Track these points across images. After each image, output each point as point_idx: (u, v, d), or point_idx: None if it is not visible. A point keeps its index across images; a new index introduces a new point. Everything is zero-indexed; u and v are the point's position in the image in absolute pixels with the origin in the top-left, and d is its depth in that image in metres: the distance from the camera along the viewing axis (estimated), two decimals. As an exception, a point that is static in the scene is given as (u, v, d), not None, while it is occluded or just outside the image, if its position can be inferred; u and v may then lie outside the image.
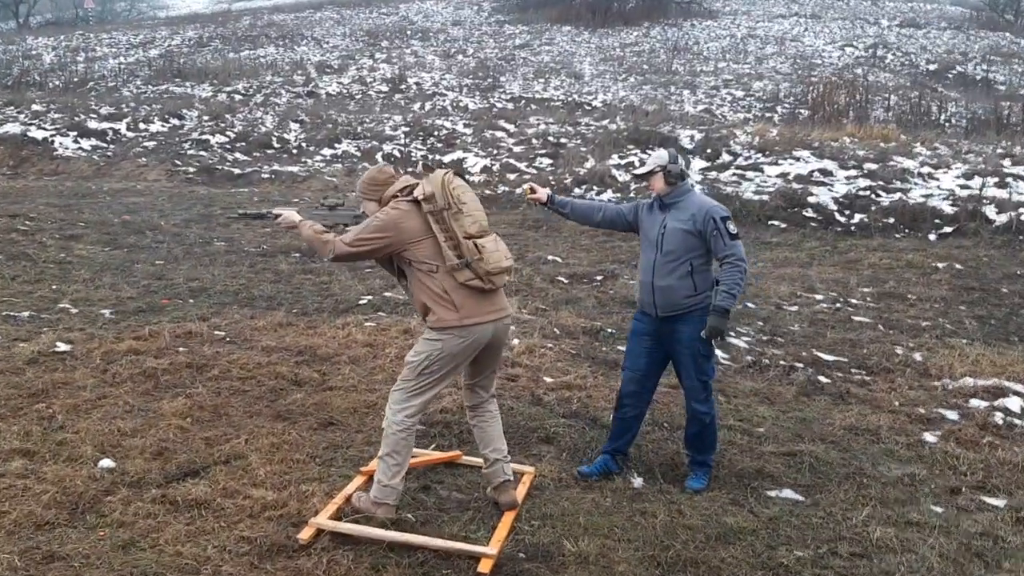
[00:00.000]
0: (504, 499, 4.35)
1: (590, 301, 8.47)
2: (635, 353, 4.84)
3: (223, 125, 19.54)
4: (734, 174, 14.98)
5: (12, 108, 20.40)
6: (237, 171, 16.41)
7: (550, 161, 16.85)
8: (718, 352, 6.46)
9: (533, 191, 5.01)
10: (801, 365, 6.69)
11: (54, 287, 8.15)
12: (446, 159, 17.04)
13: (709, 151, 16.15)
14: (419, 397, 4.18)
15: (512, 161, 16.91)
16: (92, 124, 18.90)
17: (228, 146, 18.24)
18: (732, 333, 7.31)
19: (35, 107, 20.53)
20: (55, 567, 3.63)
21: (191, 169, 16.55)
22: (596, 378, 6.21)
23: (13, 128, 18.18)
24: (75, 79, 28.38)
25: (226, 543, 3.87)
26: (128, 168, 16.73)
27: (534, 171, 16.18)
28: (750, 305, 8.38)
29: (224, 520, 4.06)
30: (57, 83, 28.08)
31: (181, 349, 6.41)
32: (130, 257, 9.61)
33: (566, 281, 9.43)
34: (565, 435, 5.27)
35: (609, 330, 7.38)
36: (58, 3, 54.31)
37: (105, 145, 18.16)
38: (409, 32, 40.34)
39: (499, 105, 25.04)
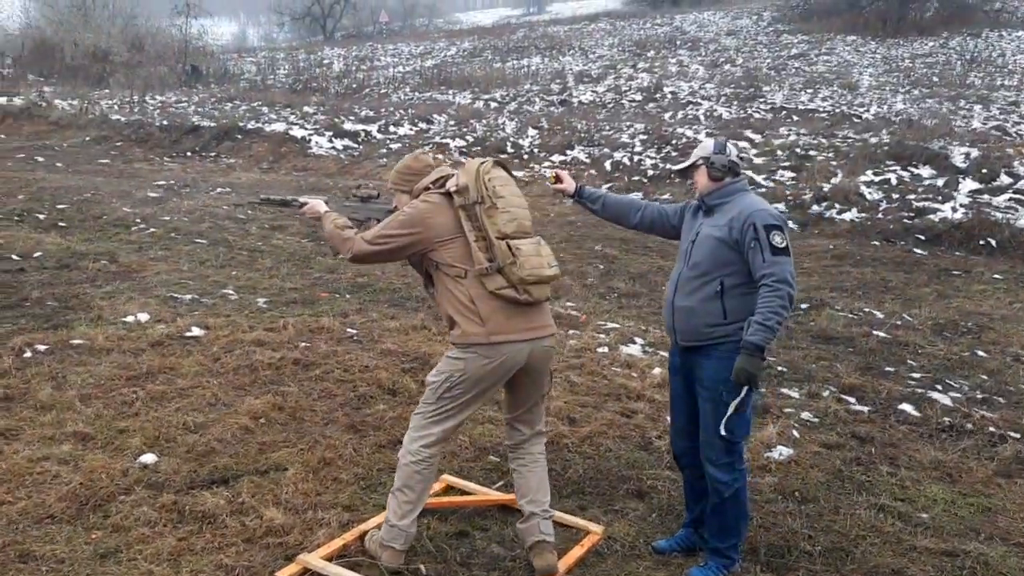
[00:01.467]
0: (539, 564, 3.54)
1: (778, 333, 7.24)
2: (674, 396, 3.84)
3: (465, 130, 19.84)
4: (1011, 199, 12.66)
5: (288, 109, 22.14)
6: (465, 173, 16.50)
7: (792, 175, 15.30)
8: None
9: (558, 179, 4.05)
10: (1017, 436, 5.14)
11: (233, 273, 8.33)
12: (675, 168, 16.03)
13: (984, 171, 13.83)
14: (439, 425, 3.49)
15: (750, 173, 15.54)
16: (347, 126, 19.94)
17: (464, 149, 18.44)
18: (939, 386, 5.84)
19: (306, 109, 22.13)
20: (22, 568, 3.35)
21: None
22: (732, 425, 5.13)
23: (279, 127, 19.62)
24: (353, 86, 30.41)
25: (202, 568, 3.41)
26: (368, 167, 17.38)
27: (772, 184, 14.76)
28: (980, 353, 6.74)
29: (217, 541, 3.61)
30: (338, 89, 30.25)
31: (301, 344, 6.17)
32: (318, 249, 9.71)
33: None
34: (664, 491, 4.32)
35: (780, 368, 6.20)
36: (360, 18, 59.20)
37: (356, 146, 19.05)
38: (679, 42, 39.36)
39: (756, 115, 23.46)
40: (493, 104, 26.55)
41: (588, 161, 17.22)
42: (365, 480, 4.26)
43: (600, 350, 6.41)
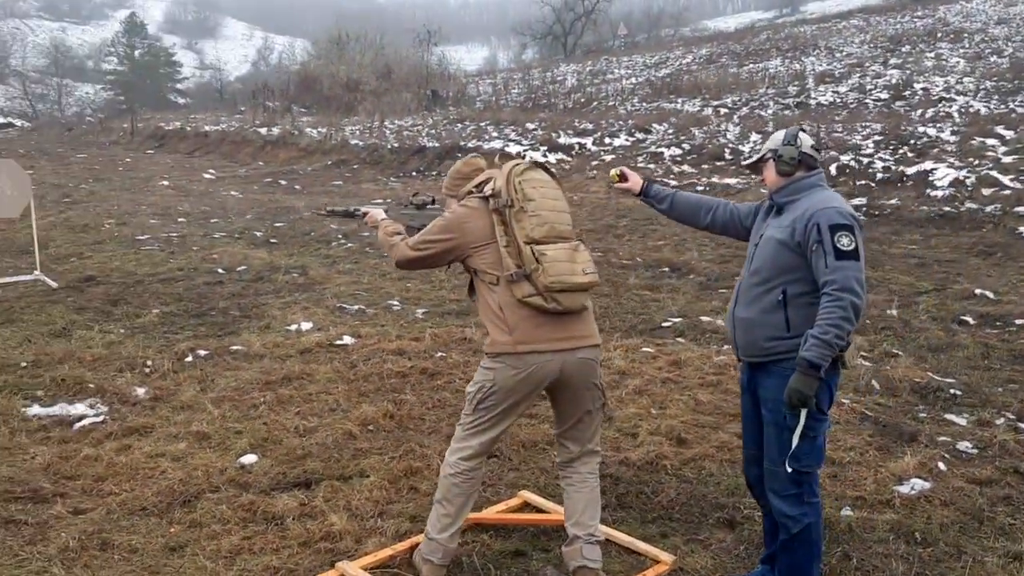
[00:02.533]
0: (579, 592, 3.28)
1: (970, 351, 6.30)
2: (744, 417, 3.40)
3: (683, 138, 19.34)
4: None
5: (512, 127, 22.76)
6: (673, 183, 16.04)
7: (1045, 174, 13.41)
8: None
9: (623, 177, 3.69)
10: None
11: (408, 285, 8.62)
12: (909, 170, 14.62)
13: None
14: (476, 438, 3.34)
15: (994, 173, 13.82)
16: (563, 140, 20.13)
17: (679, 158, 17.97)
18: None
19: (528, 125, 22.62)
20: (97, 555, 3.60)
21: (632, 181, 16.61)
22: (865, 453, 4.49)
23: (497, 143, 20.20)
24: (581, 100, 30.70)
25: (250, 568, 3.48)
26: (576, 180, 17.42)
27: (1019, 185, 13.02)
28: None
29: (276, 542, 3.68)
30: (567, 104, 30.68)
31: (437, 355, 6.23)
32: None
33: (972, 322, 7.21)
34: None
35: (952, 391, 5.37)
36: (601, 33, 59.73)
37: (569, 159, 19.17)
38: (939, 35, 36.02)
39: (1020, 109, 20.88)
40: (723, 110, 25.69)
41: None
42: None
43: (745, 366, 5.90)
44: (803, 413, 2.99)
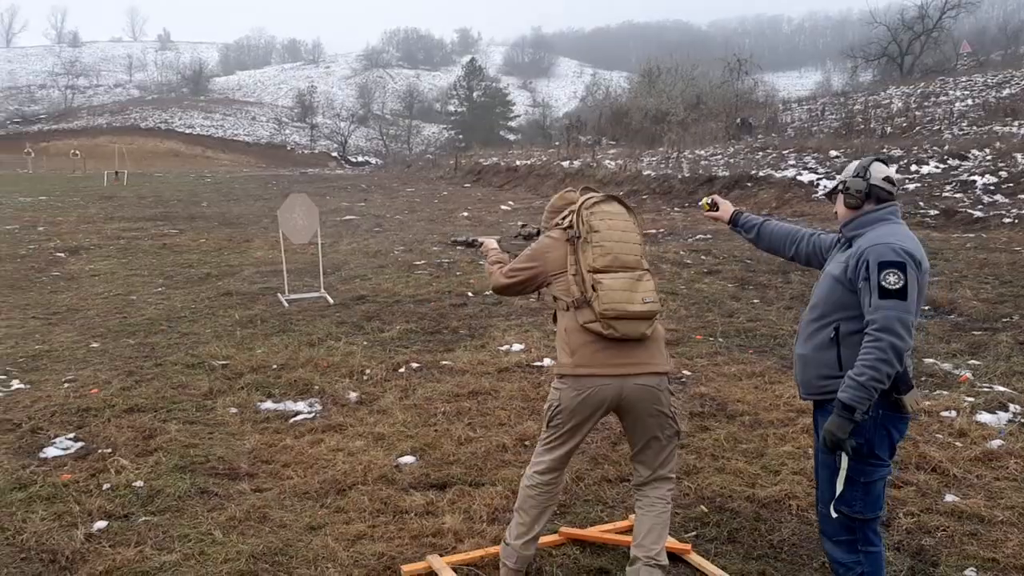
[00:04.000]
0: (637, 612, 3.34)
1: None
2: (815, 459, 3.22)
3: (1001, 165, 17.36)
4: None
5: (815, 155, 21.78)
6: (978, 214, 14.50)
7: None
8: None
9: (714, 206, 3.63)
10: None
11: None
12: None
13: None
14: (548, 453, 3.58)
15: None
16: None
17: (991, 187, 16.17)
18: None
19: (832, 152, 21.54)
20: (253, 525, 4.27)
21: (932, 212, 15.26)
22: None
23: (789, 172, 19.51)
24: (903, 124, 28.56)
25: (362, 552, 3.94)
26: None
27: None
28: None
29: (392, 532, 4.13)
30: (887, 129, 28.68)
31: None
32: (742, 294, 9.64)
33: None
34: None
35: None
36: (943, 52, 54.77)
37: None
38: None
39: None
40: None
41: None
42: (559, 508, 4.37)
43: (945, 414, 5.38)
44: (843, 456, 2.87)
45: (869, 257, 2.90)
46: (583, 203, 3.48)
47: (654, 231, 15.45)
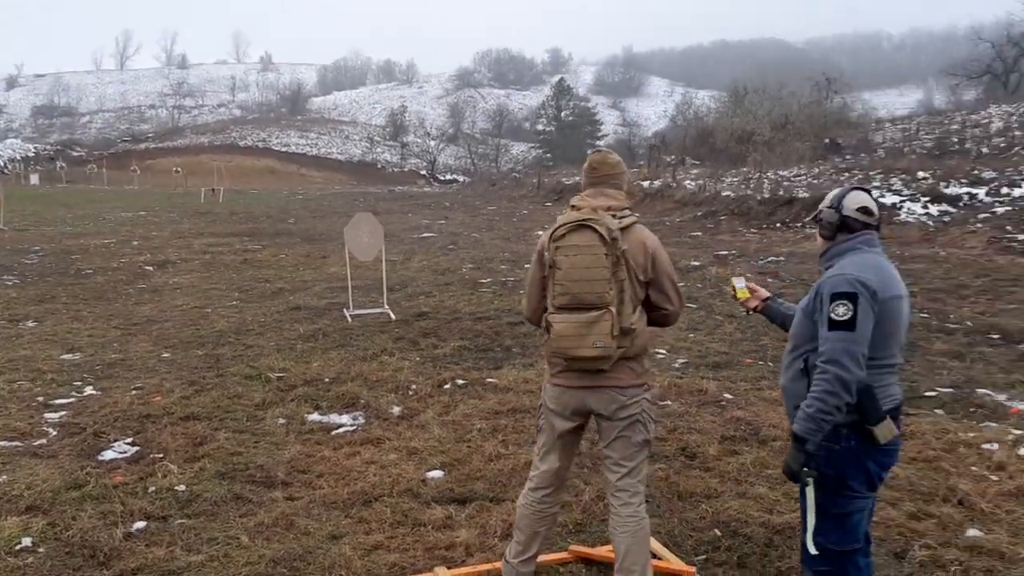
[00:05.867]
0: (621, 636, 3.37)
1: None
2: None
3: (1101, 186, 16.55)
4: None
5: (902, 175, 21.15)
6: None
7: None
8: None
9: (752, 292, 3.62)
10: None
11: (690, 336, 8.77)
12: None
13: None
14: (540, 463, 3.72)
15: None
16: (951, 190, 18.34)
17: (1084, 211, 15.44)
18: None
19: (920, 173, 20.89)
20: (278, 532, 4.46)
21: (1020, 237, 14.65)
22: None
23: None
24: (1002, 144, 27.51)
25: (375, 561, 4.08)
26: (954, 234, 15.78)
27: None
28: None
29: (407, 545, 4.25)
30: (985, 150, 27.65)
31: (664, 403, 6.37)
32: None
33: None
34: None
35: None
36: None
37: (953, 211, 17.41)
38: None
39: None
40: None
41: None
42: (575, 526, 4.42)
43: (986, 446, 5.21)
44: (808, 488, 2.87)
45: (824, 289, 2.93)
46: (552, 234, 3.39)
47: (725, 252, 15.28)
